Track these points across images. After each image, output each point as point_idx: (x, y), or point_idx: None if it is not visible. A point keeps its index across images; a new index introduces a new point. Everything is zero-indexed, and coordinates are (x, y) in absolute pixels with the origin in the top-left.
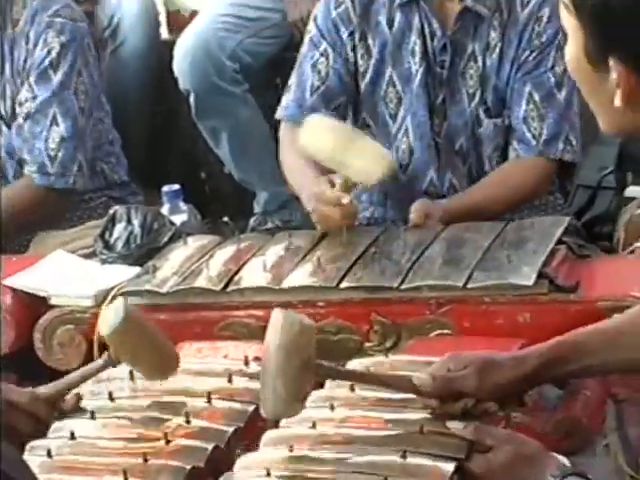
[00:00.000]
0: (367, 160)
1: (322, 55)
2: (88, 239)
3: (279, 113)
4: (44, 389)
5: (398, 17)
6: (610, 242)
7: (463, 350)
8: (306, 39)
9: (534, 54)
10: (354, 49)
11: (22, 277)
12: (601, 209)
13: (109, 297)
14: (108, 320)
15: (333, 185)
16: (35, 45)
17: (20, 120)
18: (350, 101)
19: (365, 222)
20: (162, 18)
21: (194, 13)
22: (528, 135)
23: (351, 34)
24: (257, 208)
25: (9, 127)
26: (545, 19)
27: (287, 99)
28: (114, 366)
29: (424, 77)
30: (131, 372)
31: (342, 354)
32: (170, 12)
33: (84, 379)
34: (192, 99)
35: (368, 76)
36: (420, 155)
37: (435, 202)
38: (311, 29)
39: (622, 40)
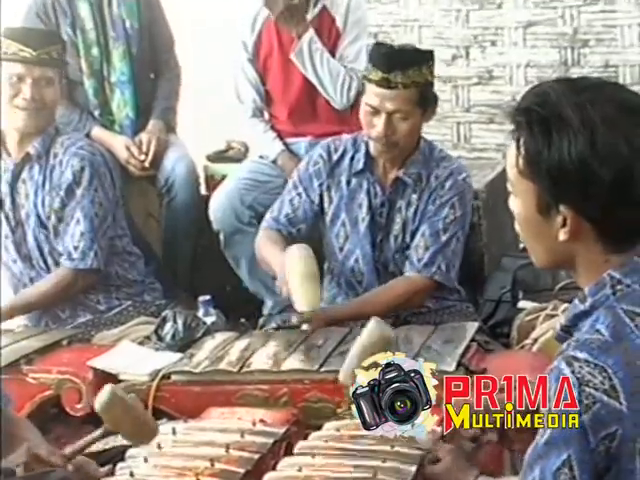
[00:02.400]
0: (297, 294)
1: (298, 195)
2: (133, 335)
3: (262, 225)
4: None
5: (353, 180)
6: (508, 339)
7: None
8: (290, 181)
9: (435, 207)
10: (320, 195)
11: (100, 360)
12: (501, 316)
13: (160, 374)
14: (99, 400)
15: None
16: (66, 167)
17: (55, 222)
18: (309, 228)
19: None
20: (202, 180)
21: (223, 177)
22: (414, 259)
23: (320, 185)
24: (265, 311)
25: (46, 229)
26: (447, 186)
27: (269, 216)
28: (111, 434)
29: (370, 223)
30: (173, 428)
31: (321, 417)
32: (207, 176)
33: (88, 444)
34: (221, 236)
35: (329, 217)
36: (368, 275)
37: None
38: (294, 176)
39: (572, 191)
